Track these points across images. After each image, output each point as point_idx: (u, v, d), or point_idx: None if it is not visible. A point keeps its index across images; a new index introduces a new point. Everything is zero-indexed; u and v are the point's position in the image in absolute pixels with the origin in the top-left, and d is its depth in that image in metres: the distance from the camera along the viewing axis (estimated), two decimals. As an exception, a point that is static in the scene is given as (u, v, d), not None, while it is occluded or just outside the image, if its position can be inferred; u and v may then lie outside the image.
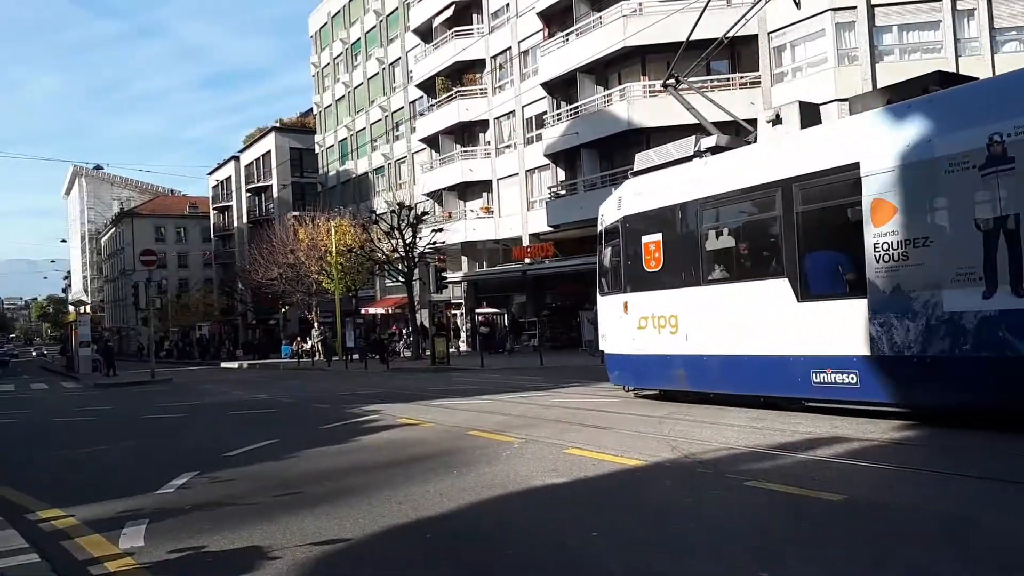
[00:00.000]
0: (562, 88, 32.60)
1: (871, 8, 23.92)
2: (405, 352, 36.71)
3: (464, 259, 40.35)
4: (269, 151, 62.66)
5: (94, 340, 39.55)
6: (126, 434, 12.11)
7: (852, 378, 8.77)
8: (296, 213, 52.23)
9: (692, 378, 11.06)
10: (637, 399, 12.35)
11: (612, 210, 12.58)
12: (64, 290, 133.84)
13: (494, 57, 37.88)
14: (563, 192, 32.35)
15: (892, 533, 4.75)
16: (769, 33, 25.78)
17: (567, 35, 31.29)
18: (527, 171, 36.15)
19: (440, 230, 35.13)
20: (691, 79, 25.91)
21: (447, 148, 40.40)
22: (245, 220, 67.00)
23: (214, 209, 76.86)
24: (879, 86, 22.74)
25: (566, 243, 32.14)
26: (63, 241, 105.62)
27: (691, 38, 12.44)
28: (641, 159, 12.39)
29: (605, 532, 5.03)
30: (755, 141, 10.79)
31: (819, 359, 9.09)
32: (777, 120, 10.17)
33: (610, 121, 28.98)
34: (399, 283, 36.05)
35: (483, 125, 38.59)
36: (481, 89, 38.65)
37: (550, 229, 32.28)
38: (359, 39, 51.29)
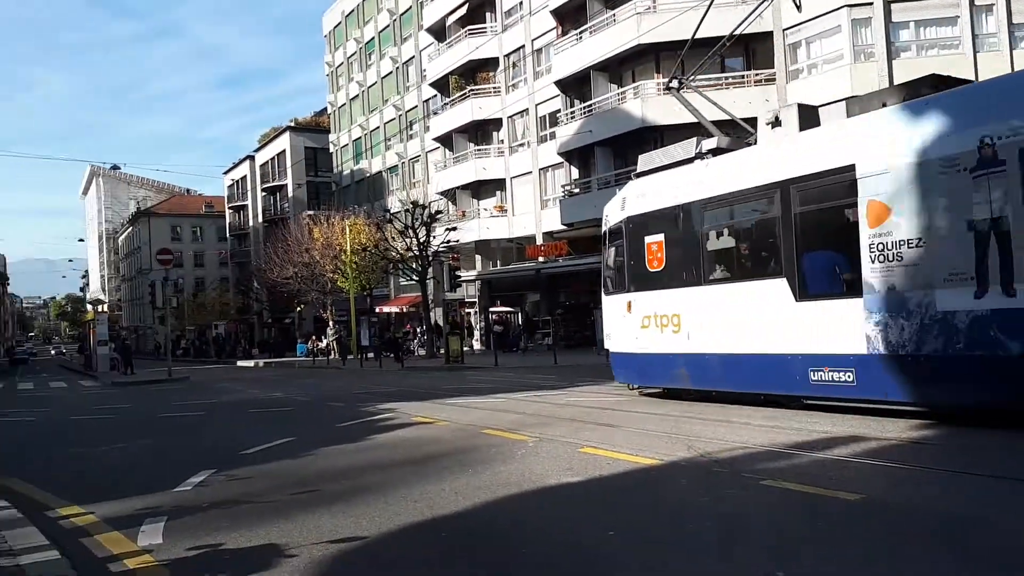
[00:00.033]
0: (575, 86, 32.55)
1: (887, 4, 23.70)
2: (419, 351, 36.79)
3: (478, 258, 40.38)
4: (284, 150, 62.97)
5: (112, 339, 39.94)
6: (144, 432, 12.21)
7: (849, 376, 8.92)
8: (311, 212, 52.47)
9: (694, 376, 11.23)
10: (652, 398, 12.31)
11: (616, 211, 12.75)
12: (82, 289, 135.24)
13: (507, 55, 37.86)
14: (577, 190, 32.31)
15: (909, 533, 4.72)
16: (784, 30, 25.62)
17: (580, 33, 31.22)
18: (540, 169, 36.12)
19: (454, 229, 35.19)
20: (705, 76, 25.94)
21: (461, 147, 40.44)
22: (260, 219, 67.36)
23: (230, 208, 77.35)
24: (895, 83, 22.63)
25: (580, 241, 32.08)
26: (81, 240, 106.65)
27: (705, 35, 12.52)
28: (644, 160, 12.56)
29: (621, 531, 5.03)
30: (755, 143, 10.93)
31: (817, 357, 9.25)
32: (776, 122, 10.34)
33: (624, 119, 28.90)
34: (413, 282, 36.15)
35: (496, 124, 38.59)
36: (494, 88, 38.65)
37: (564, 227, 32.24)
38: (373, 38, 51.42)
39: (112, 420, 14.29)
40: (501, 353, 29.87)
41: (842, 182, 8.96)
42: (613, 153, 30.79)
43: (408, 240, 33.56)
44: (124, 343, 41.09)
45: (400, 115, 48.54)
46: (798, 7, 13.12)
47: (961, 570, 4.11)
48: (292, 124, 65.33)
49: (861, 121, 9.11)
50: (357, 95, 53.74)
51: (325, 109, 62.03)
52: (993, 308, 7.59)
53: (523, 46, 36.68)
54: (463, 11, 39.74)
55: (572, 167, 33.56)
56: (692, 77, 13.33)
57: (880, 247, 8.54)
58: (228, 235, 78.28)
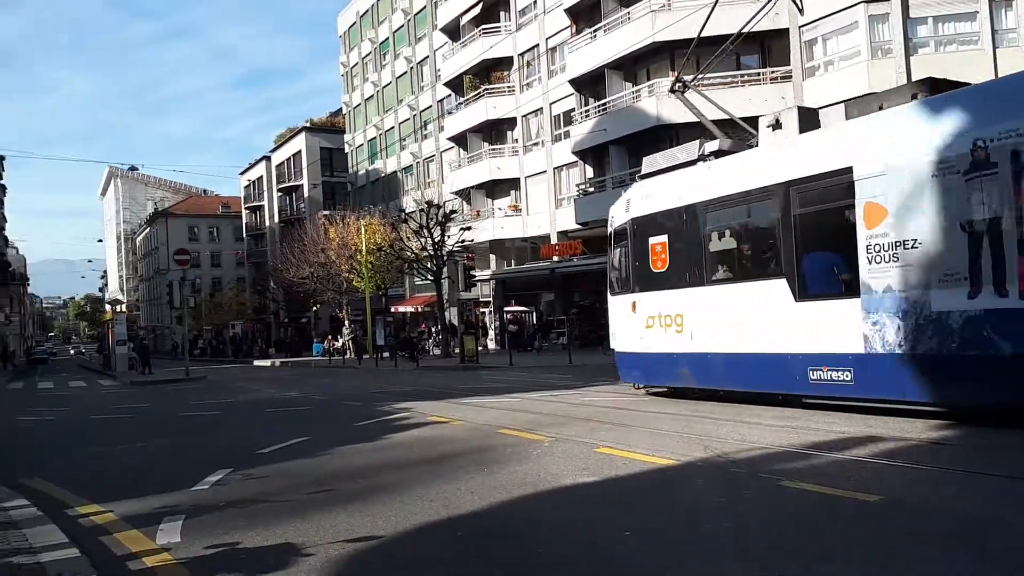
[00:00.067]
0: (590, 85, 32.47)
1: (905, 0, 23.46)
2: (434, 350, 36.86)
3: (492, 257, 40.40)
4: (300, 151, 63.29)
5: (130, 339, 40.26)
6: (162, 431, 12.31)
7: (847, 375, 9.05)
8: (326, 212, 52.66)
9: (697, 376, 11.38)
10: (666, 399, 12.26)
11: (621, 212, 12.92)
12: (101, 289, 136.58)
13: (522, 54, 37.84)
14: (591, 189, 32.24)
15: (927, 534, 4.69)
16: (800, 27, 25.42)
17: (595, 31, 31.14)
18: (555, 168, 36.07)
19: (468, 228, 35.20)
20: (720, 74, 25.84)
21: (475, 146, 40.46)
22: (276, 219, 67.75)
23: (246, 209, 77.83)
24: (913, 79, 22.40)
25: (595, 241, 31.98)
26: (99, 241, 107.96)
27: (720, 33, 12.52)
28: (648, 162, 12.76)
29: (637, 531, 5.01)
30: (757, 145, 11.10)
31: (816, 357, 9.38)
32: (777, 124, 10.50)
33: (639, 117, 28.80)
34: (428, 281, 36.21)
35: (511, 123, 38.58)
36: (509, 87, 38.64)
37: (578, 227, 32.18)
38: (387, 38, 51.55)
39: (130, 419, 14.42)
40: (516, 353, 29.82)
41: (840, 184, 9.08)
42: (628, 152, 30.68)
43: (423, 240, 33.62)
44: (142, 343, 41.43)
45: (415, 115, 48.64)
46: (800, 10, 13.18)
47: (978, 571, 4.07)
48: (308, 125, 65.66)
49: (858, 124, 9.27)
50: (372, 95, 53.89)
51: (340, 109, 62.28)
52: (986, 308, 7.71)
53: (537, 45, 36.64)
54: (477, 10, 39.75)
55: (587, 166, 33.50)
56: (697, 79, 13.43)
57: (877, 248, 8.67)
58: (245, 235, 78.77)
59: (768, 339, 10.01)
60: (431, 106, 46.79)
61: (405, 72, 49.67)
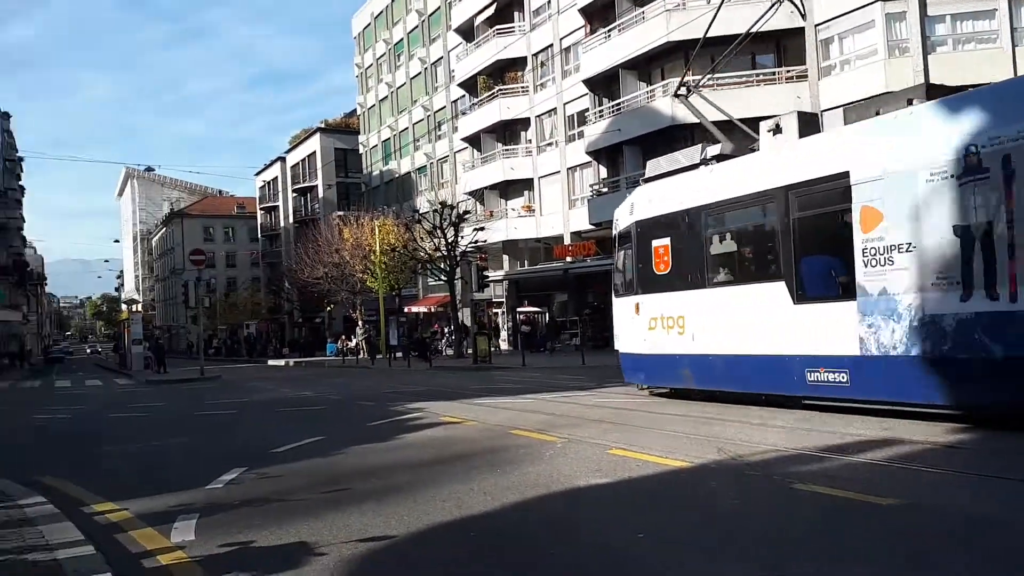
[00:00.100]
0: (604, 85, 32.41)
1: (923, -3, 23.27)
2: (447, 350, 36.90)
3: (505, 258, 40.40)
4: (314, 152, 63.56)
5: (146, 338, 40.62)
6: (176, 430, 12.39)
7: (843, 377, 9.18)
8: (341, 213, 52.85)
9: (698, 377, 11.57)
10: (681, 400, 12.22)
11: (625, 215, 13.15)
12: (117, 289, 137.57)
13: (535, 55, 37.83)
14: (605, 190, 32.17)
15: (941, 538, 4.65)
16: (816, 25, 25.26)
17: (609, 31, 31.08)
18: (568, 169, 36.03)
19: (482, 229, 35.21)
20: (735, 73, 25.73)
21: (488, 147, 40.49)
22: (291, 220, 68.07)
23: (261, 209, 78.23)
24: (931, 78, 22.20)
25: (608, 241, 31.63)
26: (116, 241, 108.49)
27: (730, 33, 12.56)
28: (652, 166, 12.97)
29: (650, 533, 4.99)
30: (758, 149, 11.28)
31: (813, 359, 9.53)
32: (777, 129, 10.65)
33: (653, 117, 28.71)
34: (441, 282, 36.27)
35: (524, 123, 38.57)
36: (522, 87, 38.64)
37: (592, 227, 32.10)
38: (402, 39, 51.68)
39: (146, 418, 14.53)
40: (528, 353, 29.82)
41: (837, 188, 9.22)
42: (642, 152, 30.53)
43: (436, 240, 33.68)
44: (158, 342, 41.76)
45: (429, 116, 48.74)
46: (802, 15, 13.22)
47: (991, 575, 4.02)
48: (322, 125, 65.94)
49: (855, 129, 9.39)
50: (386, 96, 54.05)
51: (355, 110, 62.50)
52: (977, 311, 7.82)
53: (551, 45, 36.62)
54: (491, 11, 39.78)
55: (600, 166, 33.43)
56: (701, 82, 13.58)
57: (873, 251, 8.79)
58: (259, 235, 79.19)
59: (767, 341, 10.17)
60: (445, 107, 46.86)
61: (419, 73, 49.78)
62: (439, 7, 46.74)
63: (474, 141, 41.72)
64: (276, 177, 72.92)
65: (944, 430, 8.15)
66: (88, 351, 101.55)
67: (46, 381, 33.16)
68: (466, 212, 36.02)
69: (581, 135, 33.95)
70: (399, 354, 35.59)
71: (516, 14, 39.26)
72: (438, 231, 33.43)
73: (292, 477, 7.38)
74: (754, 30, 12.42)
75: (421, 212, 39.03)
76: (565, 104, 35.84)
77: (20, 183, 74.71)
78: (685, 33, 25.22)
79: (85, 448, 10.74)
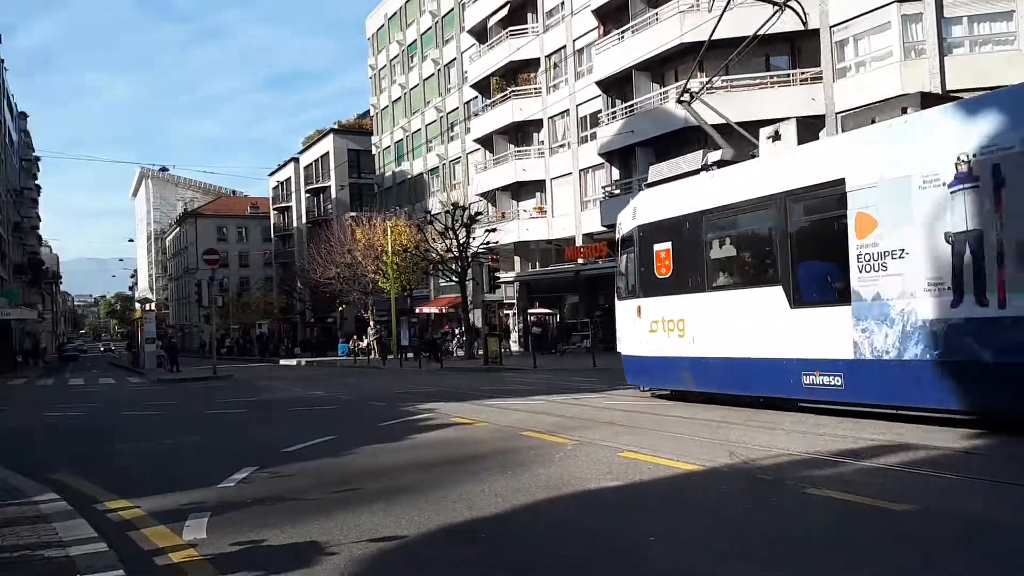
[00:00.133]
0: (617, 86, 32.35)
1: None
2: (458, 351, 36.92)
3: (517, 259, 40.39)
4: (327, 152, 63.81)
5: (159, 337, 40.87)
6: (189, 428, 12.45)
7: (838, 380, 9.37)
8: (353, 213, 53.04)
9: (698, 379, 11.78)
10: (684, 403, 12.20)
11: (628, 219, 13.39)
12: (131, 288, 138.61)
13: (548, 56, 37.81)
14: (617, 191, 32.09)
15: (954, 544, 4.61)
16: (831, 27, 25.11)
17: (623, 32, 31.03)
18: (581, 170, 35.99)
19: (493, 230, 35.24)
20: (750, 75, 25.64)
21: (501, 148, 40.50)
22: (304, 220, 68.36)
23: (274, 209, 78.62)
24: (947, 81, 22.05)
25: (620, 243, 31.85)
26: (130, 240, 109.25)
27: (741, 35, 12.64)
28: (654, 171, 13.26)
29: (661, 536, 4.98)
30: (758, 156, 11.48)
31: (809, 362, 9.73)
32: (776, 136, 10.78)
33: (666, 119, 28.62)
34: (453, 283, 36.33)
35: (537, 125, 38.57)
36: (535, 88, 38.63)
37: (604, 229, 31.98)
38: (415, 41, 51.81)
39: (158, 416, 14.60)
40: (539, 355, 29.82)
41: (833, 195, 9.41)
42: (655, 153, 30.45)
43: (448, 241, 33.72)
44: (171, 341, 42.04)
45: (441, 117, 48.83)
46: (804, 23, 13.31)
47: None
48: (335, 126, 66.18)
49: (851, 137, 9.56)
50: (399, 97, 54.19)
51: (368, 111, 62.70)
52: (966, 317, 8.00)
53: (564, 46, 36.59)
54: (504, 12, 39.80)
55: (613, 168, 33.37)
56: (710, 85, 13.73)
57: (867, 257, 8.97)
58: (272, 236, 79.58)
59: (765, 344, 10.34)
60: (458, 108, 46.94)
61: (432, 74, 49.88)
62: (453, 8, 46.83)
63: (486, 142, 41.75)
64: (289, 178, 73.28)
65: (958, 435, 8.09)
66: (102, 349, 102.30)
67: (60, 379, 33.41)
68: (478, 213, 36.06)
69: (594, 136, 33.91)
70: (410, 355, 35.66)
71: (529, 15, 39.27)
72: (450, 232, 33.47)
73: (303, 476, 7.40)
74: (761, 33, 12.43)
75: (433, 213, 39.12)
76: (578, 105, 35.81)
77: (36, 182, 75.43)
78: (699, 35, 25.12)
79: (98, 446, 10.80)
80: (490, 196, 41.27)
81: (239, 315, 68.64)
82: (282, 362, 45.44)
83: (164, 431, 12.13)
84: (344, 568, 4.47)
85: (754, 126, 13.02)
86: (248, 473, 7.51)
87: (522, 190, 39.74)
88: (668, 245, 12.15)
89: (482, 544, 5.02)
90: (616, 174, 33.10)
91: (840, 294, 9.37)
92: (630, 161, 32.01)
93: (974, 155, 7.86)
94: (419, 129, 51.41)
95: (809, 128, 10.95)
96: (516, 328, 40.25)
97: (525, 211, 39.38)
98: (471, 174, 44.73)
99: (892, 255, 8.68)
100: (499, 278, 41.80)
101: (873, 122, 9.37)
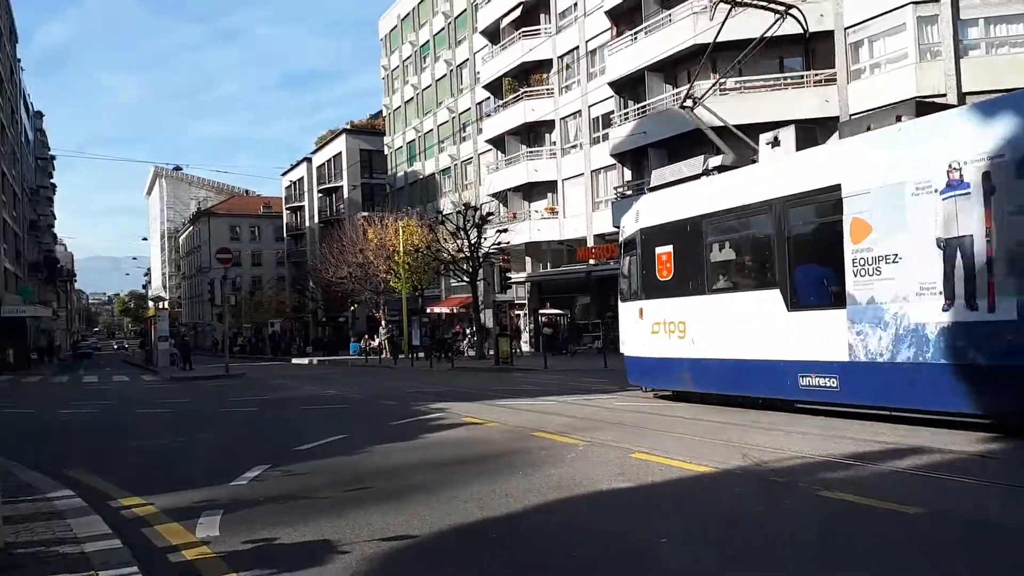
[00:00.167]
0: (629, 87, 32.29)
1: (955, 0, 22.88)
2: (469, 351, 36.94)
3: (528, 259, 40.39)
4: (340, 152, 64.02)
5: (172, 335, 41.11)
6: (202, 426, 12.52)
7: (833, 382, 9.55)
8: (365, 213, 53.19)
9: (697, 380, 11.98)
10: (686, 404, 12.16)
11: (631, 223, 13.51)
12: (144, 286, 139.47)
13: (561, 57, 37.79)
14: (629, 192, 31.97)
15: (968, 548, 4.58)
16: (845, 28, 24.97)
17: (635, 34, 30.97)
18: (592, 171, 35.95)
19: (505, 230, 35.25)
20: (763, 76, 25.54)
21: (513, 149, 40.51)
22: (316, 220, 68.60)
23: (287, 209, 78.95)
24: (963, 83, 21.88)
25: (632, 244, 31.76)
26: (144, 239, 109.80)
27: (751, 36, 12.85)
28: (657, 175, 13.49)
29: (673, 538, 4.97)
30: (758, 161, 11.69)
31: (805, 364, 9.90)
32: (775, 142, 11.00)
33: (678, 120, 28.41)
34: (464, 283, 36.33)
35: (549, 125, 38.55)
36: (547, 89, 38.62)
37: (615, 230, 31.91)
38: (428, 41, 51.90)
39: (171, 414, 14.68)
40: (550, 355, 29.79)
41: (830, 200, 9.59)
42: (667, 154, 30.35)
43: (460, 242, 33.75)
44: (183, 339, 42.30)
45: (453, 117, 48.89)
46: (805, 31, 13.35)
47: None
48: (348, 127, 66.39)
49: (847, 143, 9.72)
50: (412, 98, 54.30)
51: (380, 112, 62.85)
52: (956, 320, 8.14)
53: (577, 47, 36.56)
54: (517, 13, 39.81)
55: (625, 169, 33.30)
56: (719, 88, 13.87)
57: (862, 262, 9.12)
58: (285, 235, 79.94)
59: (763, 346, 10.52)
60: (470, 109, 46.99)
61: (445, 75, 49.95)
62: (465, 9, 46.89)
63: (498, 143, 41.77)
64: (302, 177, 73.57)
65: (973, 439, 8.03)
66: (115, 347, 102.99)
67: (74, 376, 33.67)
68: (489, 214, 36.07)
69: (606, 137, 33.86)
70: (421, 354, 35.72)
71: (542, 16, 39.25)
72: (461, 232, 33.51)
73: (316, 475, 7.42)
74: (766, 36, 12.61)
75: (445, 213, 39.16)
76: (590, 107, 35.77)
77: (52, 181, 76.05)
78: (712, 36, 25.04)
79: (112, 443, 10.88)
80: (502, 197, 41.29)
81: (251, 314, 68.95)
82: (294, 361, 45.62)
83: (177, 429, 12.20)
84: (356, 567, 4.49)
85: (767, 128, 12.96)
86: (261, 471, 7.54)
87: (534, 191, 39.73)
88: (669, 248, 12.33)
89: (493, 544, 5.03)
90: (628, 175, 33.02)
91: (836, 297, 9.51)
92: (642, 162, 31.91)
93: (965, 162, 7.99)
94: (431, 130, 51.50)
95: (817, 132, 11.08)
96: (527, 328, 40.25)
97: (537, 212, 39.37)
98: (483, 175, 44.76)
99: (886, 260, 8.84)
100: (510, 278, 41.76)
101: (868, 129, 9.54)
